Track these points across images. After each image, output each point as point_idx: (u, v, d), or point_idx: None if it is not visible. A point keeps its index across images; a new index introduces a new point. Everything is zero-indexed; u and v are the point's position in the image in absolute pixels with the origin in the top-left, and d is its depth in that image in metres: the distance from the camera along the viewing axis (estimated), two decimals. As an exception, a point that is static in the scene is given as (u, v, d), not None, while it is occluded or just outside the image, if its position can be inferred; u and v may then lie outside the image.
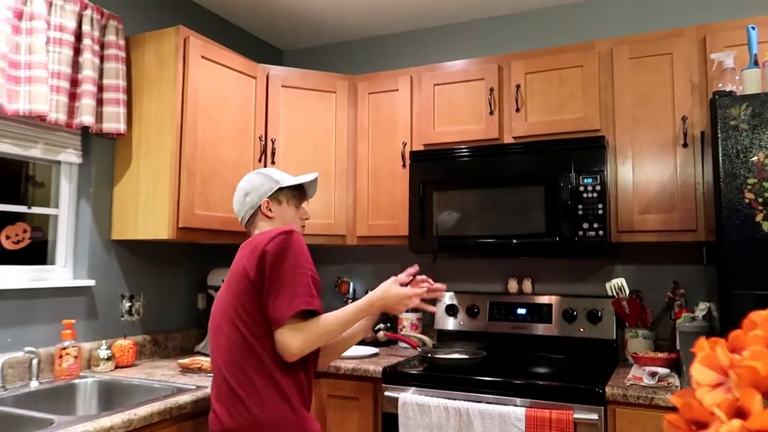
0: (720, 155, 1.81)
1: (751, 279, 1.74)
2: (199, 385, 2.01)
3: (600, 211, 2.29)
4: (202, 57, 2.43)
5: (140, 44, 2.44)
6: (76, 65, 2.21)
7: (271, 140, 2.78)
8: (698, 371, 0.55)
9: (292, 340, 1.53)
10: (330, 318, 1.61)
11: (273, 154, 2.78)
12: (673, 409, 0.59)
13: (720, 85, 2.06)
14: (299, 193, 1.84)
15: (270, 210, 1.77)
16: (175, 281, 2.75)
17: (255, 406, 1.54)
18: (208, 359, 2.29)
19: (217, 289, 2.73)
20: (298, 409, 1.58)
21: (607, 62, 2.47)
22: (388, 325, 2.95)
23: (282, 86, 2.83)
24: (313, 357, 1.69)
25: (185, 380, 2.09)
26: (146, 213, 2.35)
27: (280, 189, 1.78)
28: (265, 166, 2.76)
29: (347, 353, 2.57)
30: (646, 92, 2.39)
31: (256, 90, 2.74)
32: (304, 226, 1.86)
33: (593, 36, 2.85)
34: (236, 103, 2.62)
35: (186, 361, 2.26)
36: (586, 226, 2.31)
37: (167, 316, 2.69)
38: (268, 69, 2.82)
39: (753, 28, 2.04)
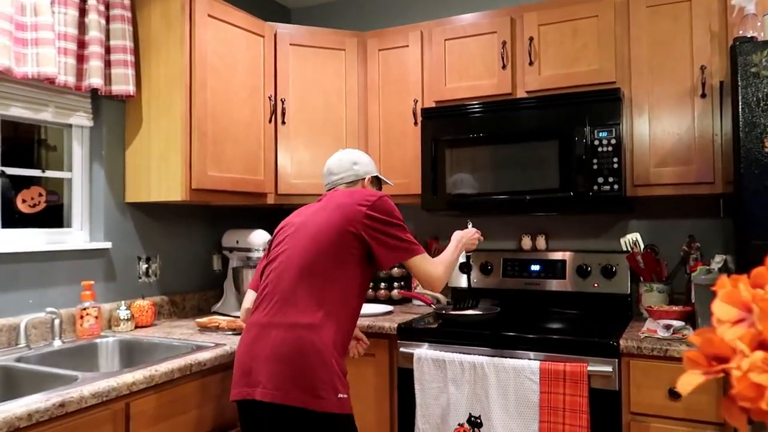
0: (740, 103, 1.77)
1: (769, 229, 1.72)
2: (218, 342, 2.04)
3: (615, 165, 2.26)
4: (209, 16, 2.40)
5: (146, 4, 2.41)
6: (82, 26, 2.19)
7: (281, 100, 2.75)
8: (720, 308, 0.55)
9: (436, 269, 1.82)
10: (446, 255, 1.93)
11: (283, 114, 2.75)
12: (693, 347, 0.59)
13: (741, 31, 1.99)
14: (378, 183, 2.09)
15: (370, 186, 1.99)
16: (190, 243, 2.77)
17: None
18: (226, 318, 2.33)
19: (232, 250, 2.76)
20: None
21: (623, 11, 2.40)
22: (402, 283, 2.97)
23: (290, 44, 2.79)
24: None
25: (204, 338, 2.13)
26: (159, 175, 2.36)
27: (376, 176, 2.04)
28: (276, 126, 2.75)
29: (362, 310, 2.59)
30: (664, 42, 2.32)
31: (264, 49, 2.70)
32: None
33: (609, -15, 2.76)
34: (245, 62, 2.59)
35: (204, 320, 2.29)
36: (601, 180, 2.29)
37: (184, 277, 2.73)
38: (276, 27, 2.78)
39: (777, -29, 1.96)
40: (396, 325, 2.34)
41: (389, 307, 2.70)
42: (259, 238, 2.67)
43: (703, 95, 2.25)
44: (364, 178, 1.99)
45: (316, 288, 1.66)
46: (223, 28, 2.47)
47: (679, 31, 2.30)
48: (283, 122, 2.75)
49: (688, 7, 2.29)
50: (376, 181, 2.06)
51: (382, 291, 2.93)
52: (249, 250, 2.67)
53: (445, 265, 1.86)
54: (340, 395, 1.59)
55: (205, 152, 2.36)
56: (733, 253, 2.09)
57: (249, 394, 1.62)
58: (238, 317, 2.51)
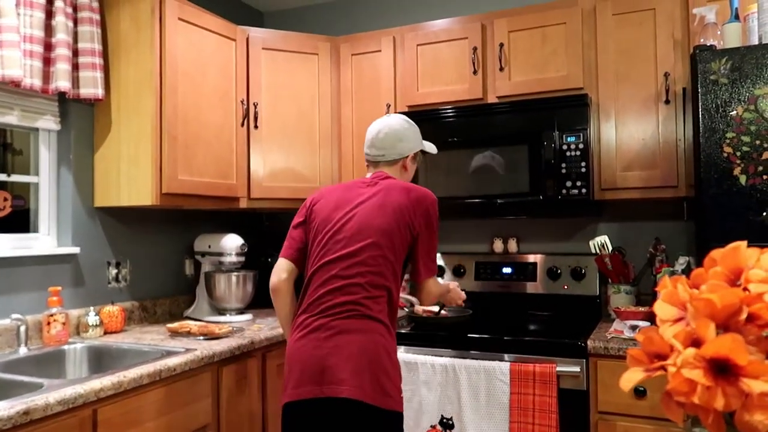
0: (700, 110, 1.82)
1: (728, 232, 1.77)
2: (189, 347, 2.03)
3: (583, 170, 2.31)
4: (180, 19, 2.38)
5: (115, 6, 2.38)
6: (49, 29, 2.16)
7: (254, 104, 2.74)
8: (660, 308, 0.57)
9: (435, 288, 1.83)
10: (441, 285, 1.94)
11: (256, 118, 2.75)
12: (638, 346, 0.61)
13: (702, 40, 2.06)
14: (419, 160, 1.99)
15: (411, 163, 1.91)
16: (161, 247, 2.74)
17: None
18: (197, 323, 2.31)
19: (204, 254, 2.74)
20: None
21: (591, 19, 2.45)
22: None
23: (263, 48, 2.79)
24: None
25: (174, 344, 2.11)
26: (129, 179, 2.33)
27: (422, 152, 1.96)
28: (248, 130, 2.74)
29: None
30: (629, 49, 2.38)
31: (237, 53, 2.70)
32: None
33: (577, -8, 2.81)
34: (217, 66, 2.58)
35: (175, 325, 2.27)
36: (569, 184, 2.33)
37: (155, 282, 2.70)
38: (248, 31, 2.77)
39: (735, -19, 2.03)
40: (368, 329, 2.35)
41: (362, 311, 2.71)
42: (231, 242, 2.66)
43: (667, 101, 2.30)
44: (407, 156, 1.90)
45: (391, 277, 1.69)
46: (195, 31, 2.46)
47: (644, 39, 2.36)
48: (256, 126, 2.75)
49: (652, 15, 2.35)
50: (421, 156, 2.01)
51: (356, 294, 2.94)
52: (221, 254, 2.66)
53: (439, 290, 1.91)
54: (402, 394, 1.65)
55: (175, 156, 2.34)
56: (695, 255, 2.14)
57: (327, 392, 1.56)
58: (211, 322, 2.50)
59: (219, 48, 2.59)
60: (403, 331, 2.31)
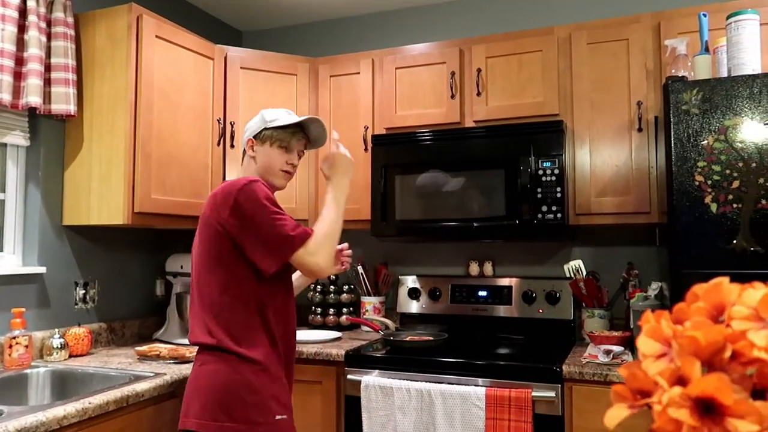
0: (672, 139, 1.86)
1: (700, 258, 1.80)
2: (158, 372, 1.97)
3: (558, 195, 2.33)
4: (157, 36, 2.36)
5: (90, 22, 2.35)
6: (21, 43, 2.12)
7: (231, 123, 2.72)
8: (644, 343, 0.57)
9: (312, 258, 1.57)
10: (324, 222, 1.65)
11: (232, 137, 2.72)
12: (621, 380, 0.60)
13: (673, 70, 2.10)
14: (289, 136, 1.75)
15: (252, 149, 1.77)
16: (131, 267, 2.68)
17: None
18: (167, 346, 2.25)
19: (176, 275, 2.68)
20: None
21: (566, 47, 2.50)
22: (351, 309, 2.95)
23: (241, 68, 2.77)
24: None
25: (143, 368, 2.05)
26: (100, 197, 2.28)
27: (266, 129, 1.75)
28: (224, 149, 2.71)
29: (310, 337, 2.56)
30: (604, 77, 2.43)
31: (214, 71, 2.68)
32: (287, 172, 1.78)
33: (552, 21, 2.88)
34: (193, 84, 2.55)
35: (144, 348, 2.21)
36: (545, 209, 2.35)
37: (124, 303, 2.63)
38: (227, 50, 2.76)
39: (704, 16, 2.09)
40: (344, 352, 2.32)
41: (337, 334, 2.68)
42: (204, 262, 2.61)
43: (640, 129, 2.35)
44: (246, 142, 1.77)
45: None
46: (172, 49, 2.44)
47: (618, 68, 2.41)
48: (232, 146, 2.72)
49: (625, 45, 2.41)
50: (274, 133, 1.73)
51: (331, 317, 2.90)
52: (194, 275, 2.60)
53: (325, 245, 1.60)
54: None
55: (149, 174, 2.30)
56: (668, 281, 2.17)
57: None
58: (182, 344, 2.44)
59: (196, 66, 2.57)
60: (377, 355, 2.29)
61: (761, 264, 1.74)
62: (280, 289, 1.65)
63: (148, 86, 2.31)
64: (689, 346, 0.50)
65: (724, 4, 2.28)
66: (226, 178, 2.70)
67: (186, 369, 2.00)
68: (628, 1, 2.78)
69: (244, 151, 1.80)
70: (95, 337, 2.42)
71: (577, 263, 2.55)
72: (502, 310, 2.72)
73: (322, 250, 1.58)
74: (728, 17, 1.97)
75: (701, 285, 0.58)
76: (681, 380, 0.49)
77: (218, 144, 2.68)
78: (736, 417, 0.45)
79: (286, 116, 1.77)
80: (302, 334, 2.66)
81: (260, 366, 1.55)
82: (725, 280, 0.56)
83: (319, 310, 2.94)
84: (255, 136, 1.76)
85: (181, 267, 2.65)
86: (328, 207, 1.68)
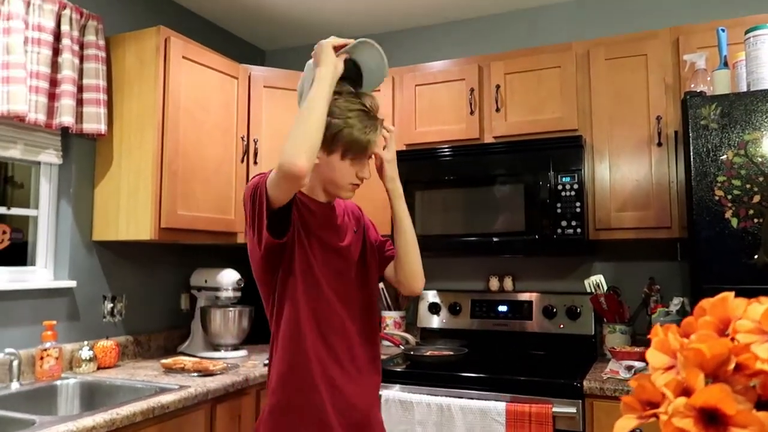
0: (691, 154, 1.86)
1: (721, 273, 1.79)
2: (183, 384, 2.01)
3: (578, 210, 2.34)
4: (183, 57, 2.44)
5: (120, 44, 2.44)
6: (55, 65, 2.21)
7: (254, 140, 2.79)
8: (652, 356, 0.59)
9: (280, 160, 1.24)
10: (297, 119, 1.28)
11: (255, 154, 2.79)
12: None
13: (692, 85, 2.11)
14: (364, 143, 1.38)
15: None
16: (157, 282, 2.74)
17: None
18: (191, 359, 2.30)
19: (200, 289, 2.74)
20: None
21: (584, 63, 2.52)
22: (371, 323, 2.97)
23: (264, 86, 2.84)
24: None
25: (168, 380, 2.10)
26: (128, 214, 2.35)
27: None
28: (248, 165, 2.77)
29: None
30: (622, 92, 2.44)
31: (238, 90, 2.75)
32: (357, 184, 1.45)
33: (570, 37, 2.90)
34: (218, 103, 2.63)
35: (169, 361, 2.26)
36: (564, 224, 2.35)
37: (150, 316, 2.69)
38: (250, 69, 2.83)
39: (723, 31, 2.10)
40: (364, 366, 2.34)
41: (358, 348, 2.70)
42: (228, 277, 2.66)
43: (659, 144, 2.35)
44: None
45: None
46: (198, 69, 2.52)
47: (637, 83, 2.42)
48: (255, 162, 2.78)
49: (644, 61, 2.42)
50: (345, 138, 1.39)
51: (351, 331, 2.93)
52: (218, 289, 2.66)
53: (291, 143, 1.24)
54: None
55: (175, 191, 2.37)
56: (689, 296, 2.16)
57: None
58: (205, 358, 2.48)
59: (221, 85, 2.64)
60: (398, 370, 2.30)
61: (784, 279, 1.72)
62: None
63: (175, 105, 2.38)
64: (694, 358, 0.52)
65: (743, 19, 2.28)
66: (250, 194, 2.75)
67: (210, 382, 2.05)
68: (646, 16, 2.79)
69: None
70: (122, 349, 2.48)
71: (597, 278, 2.54)
72: (522, 326, 2.72)
73: (282, 153, 1.24)
74: (747, 32, 1.98)
75: (708, 299, 0.60)
76: (686, 391, 0.51)
77: (242, 161, 2.74)
78: (739, 427, 0.47)
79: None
80: (323, 348, 2.69)
81: None
82: (731, 294, 0.58)
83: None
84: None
85: (205, 281, 2.70)
86: (300, 110, 1.32)
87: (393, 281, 1.61)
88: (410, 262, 1.58)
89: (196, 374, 2.17)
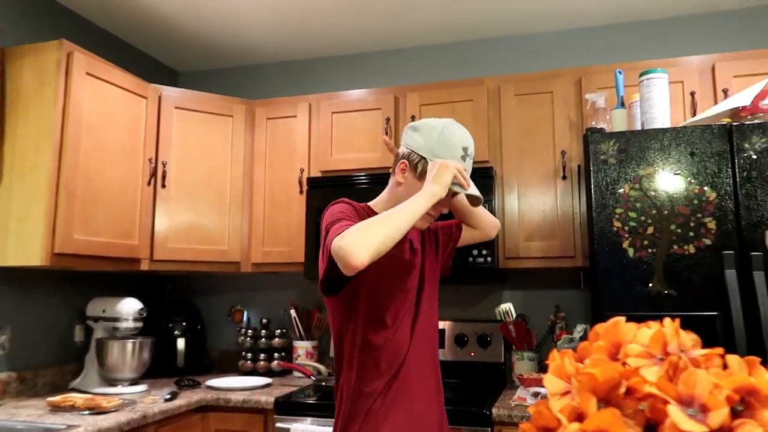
0: (592, 187, 1.96)
1: (619, 301, 1.88)
2: (71, 424, 1.85)
3: (488, 239, 2.39)
4: (88, 74, 2.31)
5: (17, 57, 2.28)
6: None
7: (162, 163, 2.67)
8: (549, 381, 0.58)
9: (339, 242, 1.20)
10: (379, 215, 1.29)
11: (164, 177, 2.66)
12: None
13: (593, 122, 2.24)
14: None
15: (403, 174, 1.45)
16: (49, 311, 2.53)
17: None
18: (83, 396, 2.12)
19: (97, 319, 2.55)
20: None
21: (495, 98, 2.62)
22: (283, 354, 2.88)
23: (175, 108, 2.74)
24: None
25: (55, 419, 1.92)
26: (17, 238, 2.16)
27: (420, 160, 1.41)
28: (155, 189, 2.65)
29: (238, 384, 2.48)
30: (530, 127, 2.55)
31: (147, 110, 2.64)
32: (433, 216, 1.45)
33: (483, 73, 3.01)
34: (124, 123, 2.50)
35: (57, 398, 2.07)
36: (476, 252, 2.40)
37: (38, 350, 2.47)
38: (161, 90, 2.73)
39: (620, 73, 2.25)
40: (273, 399, 2.25)
41: (268, 380, 2.60)
42: (128, 306, 2.50)
43: (564, 177, 2.47)
44: (402, 156, 1.46)
45: None
46: (103, 87, 2.39)
47: (543, 119, 2.54)
48: (164, 185, 2.66)
49: (550, 98, 2.54)
50: (416, 168, 1.42)
51: (262, 363, 2.82)
52: (117, 319, 2.48)
53: (361, 232, 1.22)
54: None
55: (72, 214, 2.21)
56: (591, 323, 2.25)
57: None
58: (99, 394, 2.30)
59: (128, 105, 2.52)
60: (308, 401, 2.23)
61: (675, 306, 1.83)
62: None
63: (76, 123, 2.24)
64: (588, 383, 0.52)
65: (638, 63, 2.46)
66: (156, 219, 2.62)
67: (103, 420, 1.89)
68: (552, 56, 2.95)
69: (396, 162, 1.48)
70: (4, 387, 2.25)
71: (507, 306, 2.60)
72: (435, 354, 2.72)
73: (353, 236, 1.20)
74: (641, 75, 2.13)
75: (602, 324, 0.61)
76: (580, 416, 0.50)
77: (149, 183, 2.61)
78: (629, 451, 0.47)
79: (457, 155, 1.44)
80: (231, 381, 2.57)
81: None
82: (622, 319, 0.59)
83: (249, 355, 2.85)
84: (410, 160, 1.44)
85: (103, 311, 2.52)
86: (393, 209, 1.31)
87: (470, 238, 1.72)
88: (480, 218, 1.70)
89: (87, 412, 2.00)
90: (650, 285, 1.85)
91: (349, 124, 2.77)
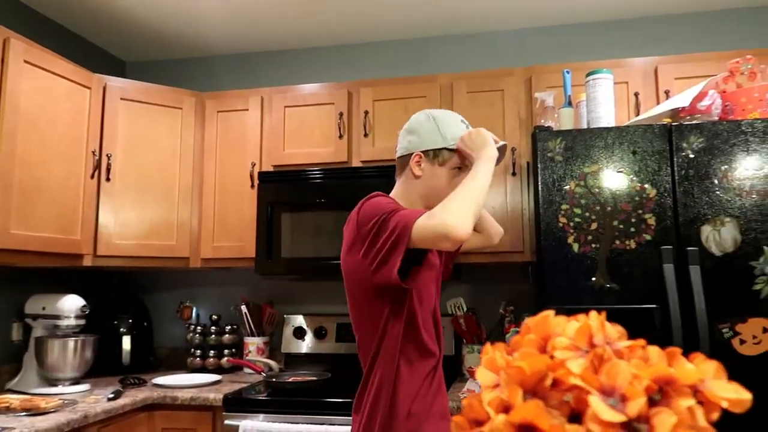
0: (540, 183, 2.00)
1: (564, 295, 1.92)
2: (6, 426, 1.77)
3: (440, 234, 2.41)
4: (26, 62, 2.21)
5: (-52, 41, 2.16)
6: None
7: (107, 155, 2.58)
8: (482, 374, 0.59)
9: (437, 217, 1.27)
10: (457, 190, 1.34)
11: (108, 170, 2.58)
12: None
13: (542, 120, 2.28)
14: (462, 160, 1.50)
15: (419, 166, 1.50)
16: (-16, 310, 2.42)
17: None
18: (20, 397, 2.04)
19: (36, 317, 2.45)
20: None
21: (448, 94, 2.64)
22: (233, 351, 2.84)
23: (121, 99, 2.66)
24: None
25: (-11, 422, 1.84)
26: (-52, 232, 2.06)
27: (446, 149, 1.49)
28: (99, 182, 2.56)
29: (186, 381, 2.43)
30: (482, 124, 2.57)
31: (91, 101, 2.54)
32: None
33: (436, 69, 3.03)
34: (66, 113, 2.41)
35: (-8, 400, 1.99)
36: (427, 247, 2.41)
37: (-27, 349, 2.36)
38: (106, 80, 2.64)
39: (568, 72, 2.30)
40: (222, 396, 2.22)
41: (217, 377, 2.56)
42: (70, 303, 2.41)
43: (514, 173, 2.51)
44: (411, 154, 1.51)
45: None
46: (43, 75, 2.29)
47: (494, 116, 2.57)
48: (108, 179, 2.58)
49: (501, 96, 2.58)
50: (452, 155, 1.49)
51: (211, 359, 2.78)
52: (58, 317, 2.39)
53: (462, 208, 1.28)
54: None
55: (8, 208, 2.12)
56: (539, 317, 2.30)
57: None
58: (37, 394, 2.21)
59: (70, 95, 2.43)
60: (258, 398, 2.21)
61: (617, 299, 1.89)
62: None
63: (13, 113, 2.15)
64: (516, 376, 0.53)
65: (586, 63, 2.52)
66: (100, 213, 2.54)
67: (41, 421, 1.82)
68: (504, 54, 2.99)
69: (405, 164, 1.53)
70: (-66, 389, 2.15)
71: (458, 300, 2.63)
72: (387, 349, 2.73)
73: (451, 211, 1.27)
74: (587, 75, 2.18)
75: (533, 318, 0.62)
76: (507, 409, 0.51)
77: (92, 177, 2.53)
78: (553, 441, 0.48)
79: (463, 129, 1.53)
80: (179, 378, 2.52)
81: None
82: (551, 313, 0.60)
83: (198, 352, 2.80)
84: (425, 152, 1.51)
85: (43, 308, 2.43)
86: (465, 183, 1.37)
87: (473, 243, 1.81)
88: (487, 222, 1.84)
89: (23, 414, 1.92)
90: (593, 279, 1.91)
91: (302, 119, 2.75)
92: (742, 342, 1.79)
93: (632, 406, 0.48)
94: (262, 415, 2.16)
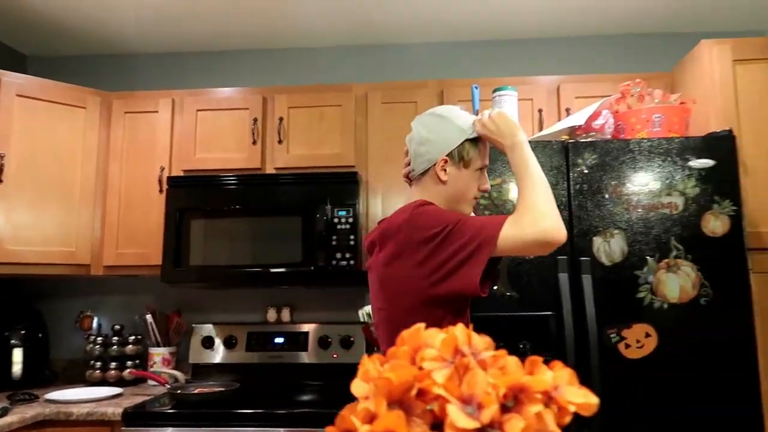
0: (447, 194, 2.06)
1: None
2: None
3: (352, 242, 2.44)
4: None
5: None
6: None
7: (0, 155, 2.42)
8: (356, 386, 0.61)
9: (541, 225, 1.26)
10: (525, 194, 1.31)
11: (0, 170, 2.42)
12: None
13: (451, 133, 2.35)
14: (484, 149, 1.43)
15: (445, 171, 1.41)
16: None
17: None
18: None
19: None
20: None
21: (363, 104, 2.67)
22: (137, 362, 2.73)
23: (17, 95, 2.50)
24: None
25: None
26: None
27: (468, 141, 1.40)
28: (-11, 184, 2.40)
29: (83, 396, 2.31)
30: (395, 135, 2.63)
31: (-18, 96, 2.38)
32: (477, 199, 1.48)
33: (351, 79, 3.06)
34: (-48, 109, 2.24)
35: None
36: (339, 255, 2.43)
37: None
38: (1, 75, 2.48)
39: (476, 88, 2.37)
40: (121, 410, 2.13)
41: (118, 390, 2.45)
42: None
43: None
44: (436, 163, 1.42)
45: None
46: (-75, 67, 2.12)
47: (407, 127, 2.61)
48: (0, 180, 2.41)
49: (414, 107, 2.64)
50: (473, 148, 1.43)
51: (112, 372, 2.65)
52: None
53: (551, 214, 1.28)
54: None
55: None
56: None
57: None
58: None
59: (-43, 89, 2.26)
60: (161, 411, 2.13)
61: (517, 306, 1.98)
62: None
63: None
64: (384, 387, 0.55)
65: (495, 79, 2.63)
66: (-10, 217, 2.37)
67: None
68: (419, 67, 3.07)
69: (425, 171, 1.45)
70: None
71: (368, 308, 2.66)
72: (298, 357, 2.72)
73: (546, 215, 1.27)
74: (493, 91, 2.27)
75: (408, 330, 0.65)
76: (372, 419, 0.53)
77: (-18, 178, 2.36)
78: (413, 449, 0.51)
79: (467, 114, 1.47)
80: (75, 393, 2.39)
81: None
82: (422, 326, 0.63)
83: (98, 364, 2.66)
84: (449, 154, 1.41)
85: None
86: (522, 177, 1.34)
87: None
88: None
89: None
90: (495, 288, 1.99)
91: (215, 123, 2.69)
92: (627, 346, 1.92)
93: (486, 414, 0.51)
94: (170, 429, 2.08)
